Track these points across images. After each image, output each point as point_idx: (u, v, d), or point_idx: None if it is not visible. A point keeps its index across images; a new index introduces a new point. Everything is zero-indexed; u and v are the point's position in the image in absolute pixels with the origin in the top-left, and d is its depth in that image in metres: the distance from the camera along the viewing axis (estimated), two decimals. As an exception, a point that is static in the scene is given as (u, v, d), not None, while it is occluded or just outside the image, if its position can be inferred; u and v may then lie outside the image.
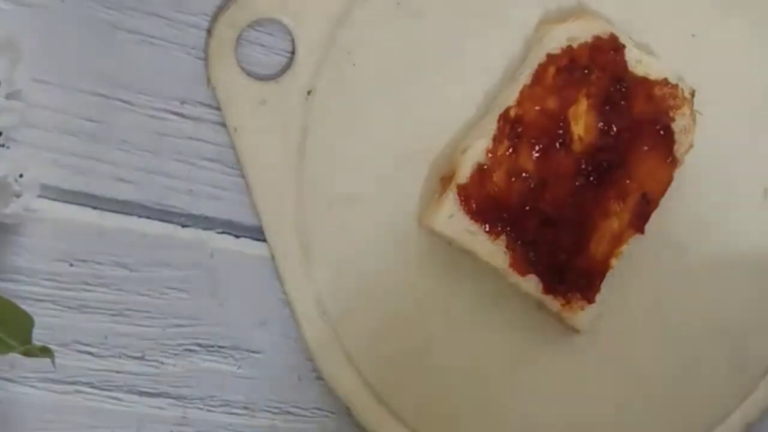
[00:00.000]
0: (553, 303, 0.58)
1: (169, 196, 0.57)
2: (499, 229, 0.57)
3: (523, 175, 0.57)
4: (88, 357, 0.56)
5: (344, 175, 0.58)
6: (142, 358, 0.57)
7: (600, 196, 0.58)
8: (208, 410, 0.59)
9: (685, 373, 0.63)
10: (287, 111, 0.57)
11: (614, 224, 0.58)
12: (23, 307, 0.49)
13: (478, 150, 0.57)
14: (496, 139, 0.57)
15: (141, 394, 0.58)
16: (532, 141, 0.57)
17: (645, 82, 0.58)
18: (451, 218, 0.57)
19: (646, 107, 0.58)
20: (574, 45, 0.57)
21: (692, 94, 0.59)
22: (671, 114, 0.59)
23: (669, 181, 0.59)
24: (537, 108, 0.57)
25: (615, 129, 0.58)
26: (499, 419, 0.61)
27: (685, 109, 0.59)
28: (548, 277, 0.58)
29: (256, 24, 0.57)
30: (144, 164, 0.57)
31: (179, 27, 0.56)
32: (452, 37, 0.59)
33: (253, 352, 0.59)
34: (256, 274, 0.59)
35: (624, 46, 0.58)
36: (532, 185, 0.57)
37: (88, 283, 0.56)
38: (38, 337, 0.48)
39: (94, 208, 0.56)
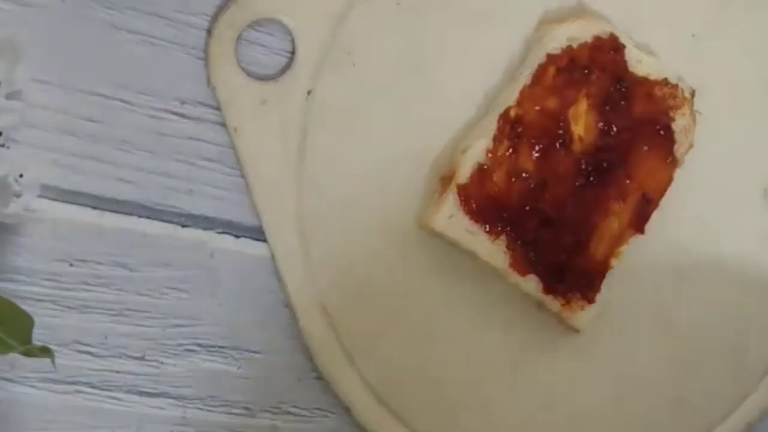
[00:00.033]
0: (553, 303, 0.58)
1: (169, 196, 0.57)
2: (499, 229, 0.57)
3: (523, 175, 0.57)
4: (88, 357, 0.56)
5: (344, 175, 0.58)
6: (142, 358, 0.57)
7: (600, 196, 0.58)
8: (208, 410, 0.59)
9: (685, 373, 0.63)
10: (287, 111, 0.57)
11: (614, 224, 0.58)
12: (23, 307, 0.49)
13: (478, 150, 0.57)
14: (496, 139, 0.57)
15: (141, 394, 0.58)
16: (532, 141, 0.57)
17: (645, 82, 0.58)
18: (451, 218, 0.57)
19: (646, 107, 0.58)
20: (574, 45, 0.57)
21: (692, 94, 0.59)
22: (671, 114, 0.59)
23: (669, 181, 0.59)
24: (537, 108, 0.57)
25: (615, 129, 0.58)
26: (499, 419, 0.61)
27: (685, 109, 0.59)
28: (548, 277, 0.58)
29: (256, 24, 0.57)
30: (144, 164, 0.57)
31: (179, 27, 0.56)
32: (452, 36, 0.59)
33: (253, 352, 0.59)
34: (256, 274, 0.59)
35: (624, 46, 0.58)
36: (532, 185, 0.57)
37: (88, 283, 0.56)
38: (38, 337, 0.48)
39: (94, 208, 0.56)
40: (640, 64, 0.58)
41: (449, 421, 0.60)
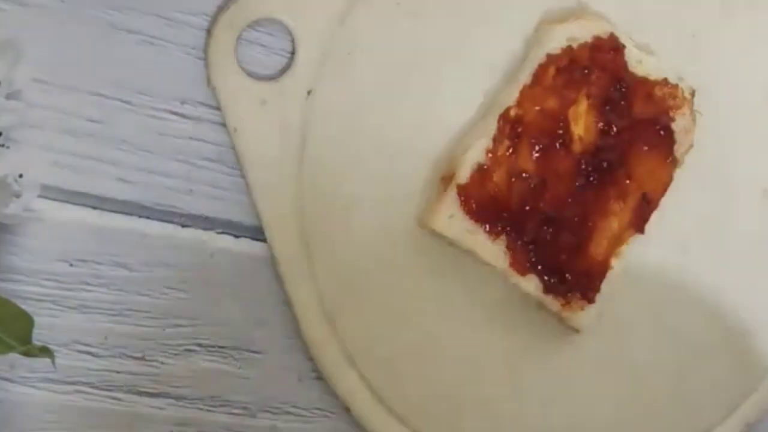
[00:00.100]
0: (553, 303, 0.58)
1: (169, 196, 0.57)
2: (499, 229, 0.57)
3: (523, 175, 0.57)
4: (88, 357, 0.56)
5: (344, 175, 0.58)
6: (142, 358, 0.57)
7: (600, 196, 0.58)
8: (208, 410, 0.59)
9: (685, 373, 0.63)
10: (287, 111, 0.57)
11: (614, 224, 0.58)
12: (23, 307, 0.49)
13: (478, 150, 0.57)
14: (496, 139, 0.57)
15: (141, 394, 0.58)
16: (532, 141, 0.57)
17: (645, 82, 0.58)
18: (451, 218, 0.57)
19: (646, 107, 0.58)
20: (574, 45, 0.57)
21: (692, 94, 0.59)
22: (671, 114, 0.59)
23: (669, 181, 0.59)
24: (537, 108, 0.57)
25: (615, 129, 0.58)
26: (499, 419, 0.61)
27: (685, 109, 0.59)
28: (548, 277, 0.58)
29: (256, 24, 0.57)
30: (144, 164, 0.57)
31: (179, 27, 0.56)
32: (452, 37, 0.59)
33: (253, 352, 0.59)
34: (256, 274, 0.59)
35: (624, 46, 0.58)
36: (532, 185, 0.57)
37: (88, 283, 0.56)
38: (38, 337, 0.48)
39: (94, 208, 0.56)
40: (640, 64, 0.58)
41: (449, 421, 0.60)
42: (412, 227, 0.59)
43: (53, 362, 0.47)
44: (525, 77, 0.57)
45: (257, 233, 0.58)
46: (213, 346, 0.58)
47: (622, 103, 0.58)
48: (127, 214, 0.57)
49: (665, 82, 0.59)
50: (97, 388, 0.57)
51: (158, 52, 0.56)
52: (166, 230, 0.57)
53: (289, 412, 0.60)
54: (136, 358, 0.57)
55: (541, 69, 0.57)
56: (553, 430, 0.62)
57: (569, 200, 0.58)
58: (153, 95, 0.56)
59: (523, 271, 0.58)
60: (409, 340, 0.59)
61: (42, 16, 0.54)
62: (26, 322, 0.48)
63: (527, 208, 0.57)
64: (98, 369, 0.57)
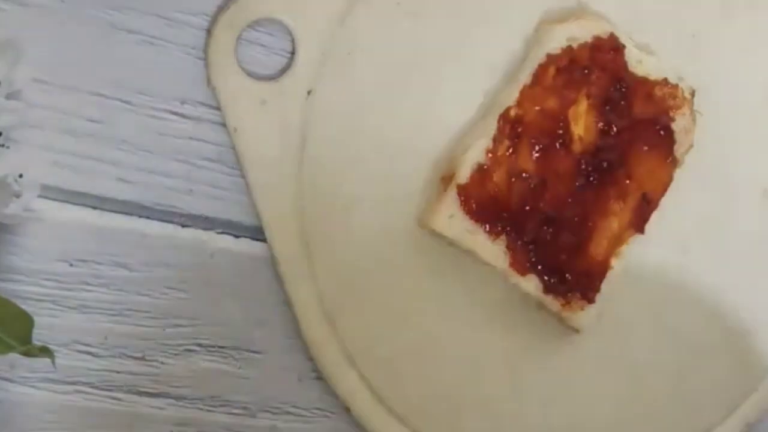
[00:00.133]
0: (553, 303, 0.58)
1: (169, 196, 0.57)
2: (499, 229, 0.57)
3: (523, 175, 0.57)
4: (88, 357, 0.56)
5: (344, 175, 0.58)
6: (142, 358, 0.57)
7: (600, 196, 0.58)
8: (208, 410, 0.59)
9: (685, 373, 0.63)
10: (287, 111, 0.57)
11: (614, 224, 0.58)
12: (23, 307, 0.49)
13: (478, 150, 0.57)
14: (496, 139, 0.57)
15: (141, 394, 0.58)
16: (532, 141, 0.57)
17: (645, 82, 0.58)
18: (451, 218, 0.57)
19: (646, 107, 0.58)
20: (574, 45, 0.57)
21: (692, 94, 0.59)
22: (671, 114, 0.59)
23: (669, 181, 0.59)
24: (537, 108, 0.57)
25: (615, 129, 0.58)
26: (499, 419, 0.61)
27: (685, 109, 0.59)
28: (548, 277, 0.58)
29: (256, 24, 0.57)
30: (144, 164, 0.57)
31: (179, 27, 0.56)
32: (452, 37, 0.59)
33: (253, 352, 0.59)
34: (256, 274, 0.59)
35: (624, 46, 0.58)
36: (532, 185, 0.57)
37: (88, 283, 0.56)
38: (38, 337, 0.48)
39: (94, 208, 0.56)
40: (640, 64, 0.58)
41: (449, 421, 0.60)
42: (412, 227, 0.59)
43: (53, 362, 0.47)
44: (525, 77, 0.57)
45: (257, 233, 0.58)
46: (213, 346, 0.58)
47: (622, 103, 0.58)
48: (127, 214, 0.57)
49: (665, 82, 0.59)
50: (97, 388, 0.57)
51: (158, 52, 0.56)
52: (166, 230, 0.57)
53: (289, 412, 0.60)
54: (136, 358, 0.57)
55: (541, 69, 0.57)
56: (553, 430, 0.62)
57: (569, 200, 0.58)
58: (153, 95, 0.56)
59: (523, 271, 0.58)
60: (409, 340, 0.59)
61: (42, 16, 0.54)
62: (26, 322, 0.48)
63: (527, 208, 0.57)
64: (98, 369, 0.57)
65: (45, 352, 0.46)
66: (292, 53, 0.58)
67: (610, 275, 0.59)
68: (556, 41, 0.57)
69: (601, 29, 0.58)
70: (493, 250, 0.57)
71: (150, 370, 0.58)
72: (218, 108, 0.57)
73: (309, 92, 0.57)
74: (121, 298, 0.57)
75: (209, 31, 0.57)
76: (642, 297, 0.62)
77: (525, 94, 0.57)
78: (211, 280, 0.58)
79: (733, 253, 0.63)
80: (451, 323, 0.60)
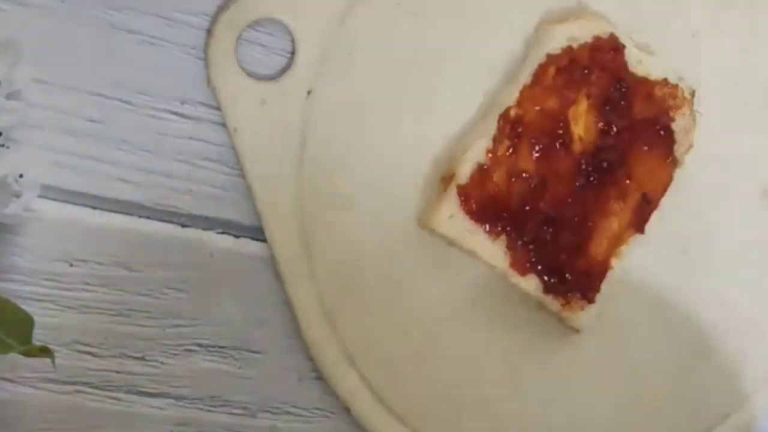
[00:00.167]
0: (553, 303, 0.58)
1: (169, 196, 0.57)
2: (499, 229, 0.57)
3: (523, 175, 0.57)
4: (88, 357, 0.56)
5: (344, 174, 0.58)
6: (142, 358, 0.57)
7: (600, 196, 0.58)
8: (208, 410, 0.59)
9: (685, 373, 0.63)
10: (287, 111, 0.57)
11: (614, 224, 0.58)
12: (23, 307, 0.49)
13: (478, 150, 0.57)
14: (496, 139, 0.57)
15: (141, 394, 0.58)
16: (532, 141, 0.57)
17: (645, 82, 0.58)
18: (451, 218, 0.57)
19: (646, 107, 0.58)
20: (574, 45, 0.57)
21: (692, 94, 0.59)
22: (671, 114, 0.59)
23: (669, 181, 0.59)
24: (537, 108, 0.57)
25: (615, 129, 0.58)
26: (499, 419, 0.61)
27: (685, 109, 0.59)
28: (548, 277, 0.58)
29: (256, 24, 0.57)
30: (144, 164, 0.57)
31: (179, 27, 0.56)
32: (452, 37, 0.59)
33: (253, 352, 0.59)
34: (256, 274, 0.59)
35: (624, 46, 0.58)
36: (532, 185, 0.57)
37: (88, 283, 0.56)
38: (38, 337, 0.48)
39: (94, 208, 0.56)
40: (640, 64, 0.58)
41: (449, 421, 0.60)
42: (412, 227, 0.59)
43: (53, 362, 0.47)
44: (525, 77, 0.57)
45: (257, 233, 0.58)
46: (213, 346, 0.58)
47: (622, 103, 0.58)
48: (127, 214, 0.57)
49: (665, 82, 0.59)
50: (97, 388, 0.57)
51: (158, 52, 0.56)
52: (166, 230, 0.57)
53: (289, 412, 0.60)
54: (136, 358, 0.57)
55: (541, 69, 0.57)
56: (553, 430, 0.62)
57: (569, 200, 0.58)
58: (153, 95, 0.56)
59: (523, 271, 0.58)
60: (409, 340, 0.59)
61: (42, 16, 0.54)
62: (26, 322, 0.48)
63: (527, 208, 0.57)
64: (98, 369, 0.57)
65: (45, 352, 0.46)
66: (292, 53, 0.58)
67: (610, 275, 0.59)
68: (556, 41, 0.57)
69: (601, 29, 0.58)
70: (493, 250, 0.57)
71: (150, 370, 0.58)
72: (218, 108, 0.57)
73: (309, 92, 0.57)
74: (121, 298, 0.57)
75: (209, 31, 0.57)
76: (642, 297, 0.62)
77: (525, 94, 0.57)
78: (211, 280, 0.58)
79: (733, 253, 0.63)
80: (451, 323, 0.60)
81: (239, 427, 0.59)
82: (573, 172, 0.58)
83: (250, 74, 0.57)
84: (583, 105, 0.57)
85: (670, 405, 0.63)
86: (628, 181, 0.58)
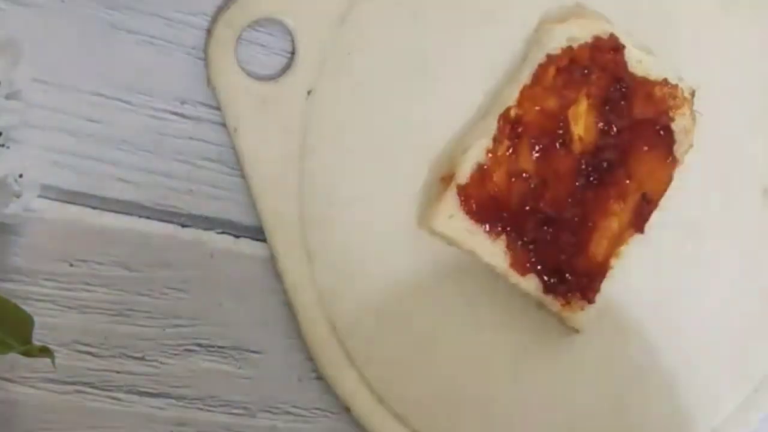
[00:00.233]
0: (553, 303, 0.58)
1: (169, 196, 0.57)
2: (499, 229, 0.57)
3: (523, 175, 0.57)
4: (88, 357, 0.56)
5: (344, 175, 0.58)
6: (142, 358, 0.57)
7: (600, 196, 0.58)
8: (208, 410, 0.59)
9: (685, 373, 0.63)
10: (287, 111, 0.57)
11: (614, 224, 0.58)
12: (23, 307, 0.49)
13: (478, 150, 0.57)
14: (496, 139, 0.57)
15: (141, 394, 0.58)
16: (532, 141, 0.57)
17: (645, 82, 0.58)
18: (451, 218, 0.57)
19: (646, 107, 0.58)
20: (574, 45, 0.57)
21: (692, 94, 0.59)
22: (671, 114, 0.59)
23: (669, 181, 0.59)
24: (537, 108, 0.57)
25: (615, 129, 0.58)
26: (500, 419, 0.61)
27: (685, 109, 0.59)
28: (548, 277, 0.58)
29: (256, 24, 0.57)
30: (144, 164, 0.57)
31: (179, 27, 0.56)
32: (452, 37, 0.59)
33: (253, 352, 0.59)
34: (256, 274, 0.59)
35: (624, 46, 0.58)
36: (532, 185, 0.57)
37: (88, 283, 0.56)
38: (38, 337, 0.48)
39: (94, 208, 0.56)
40: (640, 64, 0.58)
41: (449, 421, 0.60)
42: (412, 227, 0.59)
43: (53, 362, 0.47)
44: (525, 77, 0.57)
45: (257, 233, 0.58)
46: (213, 346, 0.58)
47: (622, 103, 0.58)
48: (127, 214, 0.57)
49: (665, 82, 0.59)
50: (97, 388, 0.57)
51: (158, 52, 0.56)
52: (166, 230, 0.57)
53: (289, 412, 0.60)
54: (136, 358, 0.57)
55: (541, 69, 0.57)
56: (553, 430, 0.62)
57: (569, 200, 0.58)
58: (153, 95, 0.56)
59: (523, 271, 0.58)
60: (409, 340, 0.59)
61: (42, 16, 0.54)
62: (26, 322, 0.48)
63: (527, 208, 0.57)
64: (98, 369, 0.57)
65: (45, 352, 0.46)
66: (292, 53, 0.58)
67: (610, 275, 0.59)
68: (556, 41, 0.57)
69: (601, 29, 0.58)
70: (493, 250, 0.57)
71: (150, 370, 0.58)
72: (218, 108, 0.57)
73: (309, 92, 0.57)
74: (121, 298, 0.57)
75: (209, 31, 0.57)
76: (642, 297, 0.62)
77: (525, 94, 0.57)
78: (211, 280, 0.58)
79: (734, 253, 0.63)
80: (451, 323, 0.60)
81: (239, 427, 0.59)
82: (573, 172, 0.58)
83: (250, 74, 0.57)
84: (583, 105, 0.57)
85: (670, 405, 0.63)
86: (628, 181, 0.58)
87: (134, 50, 0.56)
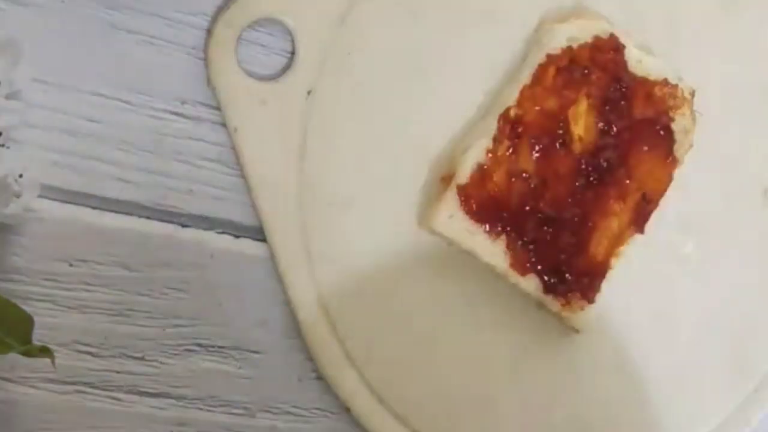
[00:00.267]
0: (553, 303, 0.58)
1: (169, 196, 0.57)
2: (499, 229, 0.57)
3: (523, 175, 0.57)
4: (88, 357, 0.56)
5: (344, 174, 0.58)
6: (142, 358, 0.57)
7: (600, 196, 0.58)
8: (208, 410, 0.59)
9: (685, 373, 0.63)
10: (287, 111, 0.57)
11: (614, 224, 0.58)
12: (23, 307, 0.49)
13: (478, 150, 0.57)
14: (497, 139, 0.57)
15: (141, 394, 0.58)
16: (533, 141, 0.57)
17: (645, 82, 0.58)
18: (451, 218, 0.57)
19: (646, 107, 0.58)
20: (574, 45, 0.57)
21: (692, 94, 0.59)
22: (671, 114, 0.59)
23: (669, 181, 0.59)
24: (537, 108, 0.57)
25: (615, 129, 0.58)
26: (500, 419, 0.61)
27: (685, 109, 0.59)
28: (548, 277, 0.58)
29: (256, 24, 0.57)
30: (144, 164, 0.57)
31: (179, 27, 0.56)
32: (452, 37, 0.59)
33: (253, 352, 0.59)
34: (256, 274, 0.59)
35: (624, 46, 0.58)
36: (532, 185, 0.57)
37: (88, 283, 0.56)
38: (38, 337, 0.48)
39: (94, 208, 0.56)
40: (640, 64, 0.58)
41: (449, 421, 0.60)
42: (412, 227, 0.59)
43: (53, 362, 0.47)
44: (525, 77, 0.57)
45: (257, 233, 0.58)
46: (213, 346, 0.58)
47: (622, 103, 0.58)
48: (127, 214, 0.57)
49: (665, 82, 0.59)
50: (97, 388, 0.57)
51: (158, 52, 0.56)
52: (166, 230, 0.57)
53: (289, 412, 0.60)
54: (136, 358, 0.57)
55: (541, 69, 0.57)
56: (553, 430, 0.62)
57: (569, 200, 0.58)
58: (153, 95, 0.56)
59: (523, 271, 0.58)
60: (409, 340, 0.59)
61: (42, 16, 0.54)
62: (26, 322, 0.48)
63: (527, 208, 0.57)
64: (98, 369, 0.57)
65: (45, 352, 0.46)
66: (292, 53, 0.58)
67: (610, 275, 0.59)
68: (556, 41, 0.57)
69: (601, 29, 0.58)
70: (493, 250, 0.57)
71: (150, 370, 0.58)
72: (218, 108, 0.57)
73: (309, 92, 0.57)
74: (121, 298, 0.57)
75: (209, 31, 0.57)
76: (642, 297, 0.62)
77: (525, 94, 0.57)
78: (211, 280, 0.58)
79: (734, 252, 0.63)
80: (451, 323, 0.60)
81: (239, 427, 0.59)
82: (573, 172, 0.58)
83: (250, 74, 0.57)
84: (583, 105, 0.57)
85: (670, 405, 0.63)
86: (628, 181, 0.58)
87: (134, 50, 0.56)
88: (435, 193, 0.58)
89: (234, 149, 0.57)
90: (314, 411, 0.60)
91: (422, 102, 0.58)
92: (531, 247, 0.57)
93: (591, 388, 0.62)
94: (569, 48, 0.57)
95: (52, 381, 0.56)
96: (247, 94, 0.57)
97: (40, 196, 0.54)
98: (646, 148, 0.58)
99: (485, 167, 0.57)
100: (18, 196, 0.52)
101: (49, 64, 0.54)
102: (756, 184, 0.63)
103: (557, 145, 0.57)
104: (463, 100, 0.59)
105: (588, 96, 0.57)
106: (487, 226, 0.57)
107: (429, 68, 0.58)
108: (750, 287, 0.63)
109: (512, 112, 0.57)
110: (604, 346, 0.61)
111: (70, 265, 0.56)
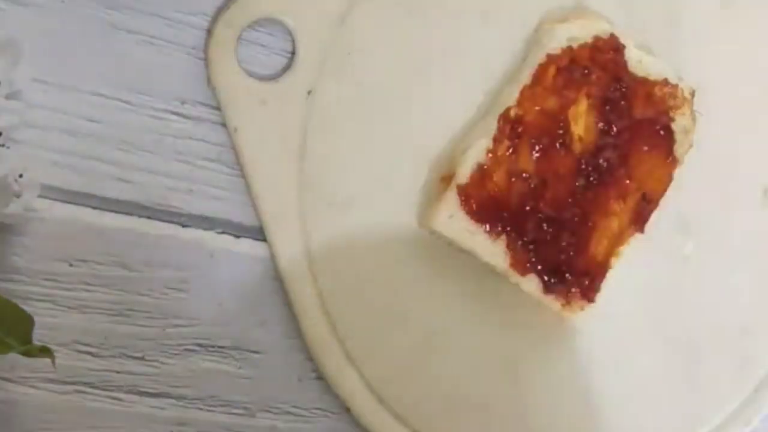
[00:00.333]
0: (553, 303, 0.58)
1: (169, 196, 0.57)
2: (499, 229, 0.57)
3: (524, 175, 0.57)
4: (88, 357, 0.56)
5: (344, 174, 0.58)
6: (142, 358, 0.57)
7: (600, 196, 0.58)
8: (208, 410, 0.59)
9: (685, 373, 0.63)
10: (287, 111, 0.57)
11: (614, 224, 0.58)
12: (23, 307, 0.49)
13: (478, 150, 0.57)
14: (497, 139, 0.57)
15: (141, 394, 0.58)
16: (533, 141, 0.57)
17: (645, 82, 0.58)
18: (451, 218, 0.57)
19: (646, 107, 0.58)
20: (574, 45, 0.57)
21: (692, 94, 0.59)
22: (671, 114, 0.59)
23: (669, 181, 0.59)
24: (537, 108, 0.57)
25: (615, 129, 0.58)
26: (499, 419, 0.61)
27: (685, 109, 0.59)
28: (548, 277, 0.58)
29: (256, 24, 0.57)
30: (144, 164, 0.57)
31: (179, 27, 0.56)
32: (452, 37, 0.59)
33: (253, 352, 0.59)
34: (256, 274, 0.59)
35: (624, 46, 0.58)
36: (532, 185, 0.57)
37: (88, 283, 0.56)
38: (38, 337, 0.48)
39: (94, 208, 0.56)
40: (640, 64, 0.58)
41: (449, 421, 0.60)
42: (412, 227, 0.59)
43: (53, 362, 0.47)
44: (525, 77, 0.57)
45: (257, 233, 0.58)
46: (213, 346, 0.58)
47: (622, 103, 0.58)
48: (127, 214, 0.57)
49: (665, 82, 0.59)
50: (97, 388, 0.57)
51: (158, 52, 0.56)
52: (166, 230, 0.57)
53: (289, 412, 0.60)
54: (136, 358, 0.57)
55: (541, 69, 0.57)
56: (553, 430, 0.62)
57: (569, 200, 0.58)
58: (153, 95, 0.56)
59: (523, 271, 0.58)
60: (409, 340, 0.59)
61: (42, 16, 0.54)
62: (26, 322, 0.48)
63: (527, 208, 0.57)
64: (98, 369, 0.57)
65: (45, 352, 0.46)
66: (292, 53, 0.58)
67: (610, 275, 0.59)
68: (556, 41, 0.57)
69: (601, 29, 0.58)
70: (493, 250, 0.57)
71: (150, 370, 0.58)
72: (218, 108, 0.57)
73: (309, 92, 0.57)
74: (121, 298, 0.57)
75: (209, 31, 0.57)
76: (642, 297, 0.62)
77: (525, 94, 0.57)
78: (211, 280, 0.58)
79: (734, 252, 0.63)
80: (451, 323, 0.60)
81: (239, 427, 0.59)
82: (573, 172, 0.58)
83: (250, 74, 0.57)
84: (583, 105, 0.57)
85: (670, 405, 0.63)
86: (628, 181, 0.58)
87: (134, 50, 0.56)
88: (435, 193, 0.58)
89: (234, 149, 0.57)
90: (314, 411, 0.60)
91: (422, 102, 0.58)
92: (531, 247, 0.58)
93: (591, 388, 0.62)
94: (569, 48, 0.57)
95: (52, 381, 0.56)
96: (247, 94, 0.57)
97: (40, 196, 0.54)
98: (646, 148, 0.58)
99: (485, 167, 0.57)
100: (18, 196, 0.52)
101: (49, 64, 0.54)
102: (756, 184, 0.63)
103: (557, 145, 0.57)
104: (463, 100, 0.59)
105: (588, 96, 0.57)
106: (487, 226, 0.57)
107: (429, 68, 0.58)
108: (750, 287, 0.63)
109: (512, 112, 0.57)
110: (604, 346, 0.62)
111: (70, 265, 0.56)
